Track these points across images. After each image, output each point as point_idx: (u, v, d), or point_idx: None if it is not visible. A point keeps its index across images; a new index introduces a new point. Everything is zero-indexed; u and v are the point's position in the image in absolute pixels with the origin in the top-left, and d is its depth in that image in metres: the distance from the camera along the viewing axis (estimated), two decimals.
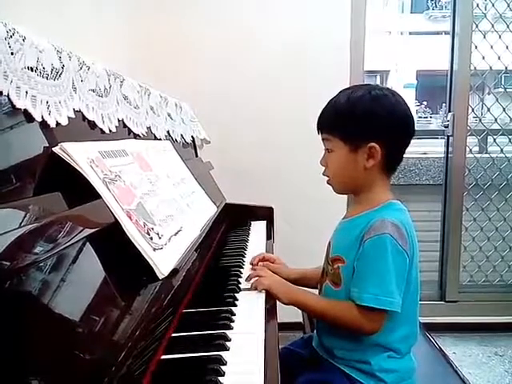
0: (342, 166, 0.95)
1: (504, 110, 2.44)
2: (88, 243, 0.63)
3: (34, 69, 0.65)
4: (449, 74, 2.35)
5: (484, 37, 2.33)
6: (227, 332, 0.75)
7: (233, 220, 1.65)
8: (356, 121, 0.92)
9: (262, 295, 0.94)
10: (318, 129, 0.99)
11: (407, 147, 0.97)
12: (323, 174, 1.00)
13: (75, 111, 0.77)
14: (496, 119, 2.45)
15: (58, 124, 0.70)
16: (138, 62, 1.86)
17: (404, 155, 0.98)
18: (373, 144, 0.91)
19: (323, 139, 0.98)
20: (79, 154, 0.70)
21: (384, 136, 0.92)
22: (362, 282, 0.88)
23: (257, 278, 0.99)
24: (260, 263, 1.14)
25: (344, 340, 0.94)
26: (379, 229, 0.87)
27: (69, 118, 0.73)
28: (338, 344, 0.96)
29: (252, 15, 2.16)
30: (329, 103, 0.98)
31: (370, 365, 0.92)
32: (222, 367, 0.64)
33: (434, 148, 3.06)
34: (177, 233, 0.92)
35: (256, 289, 0.96)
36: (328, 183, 1.01)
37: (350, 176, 0.96)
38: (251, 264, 1.15)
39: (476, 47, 2.30)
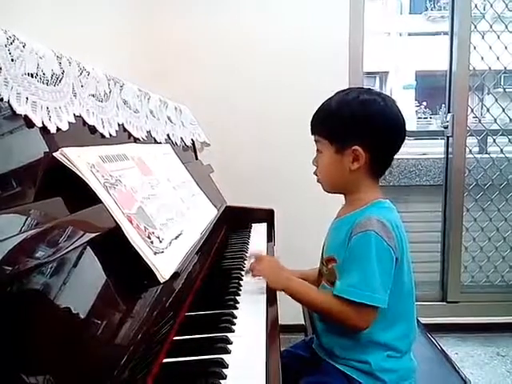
0: (330, 167, 0.98)
1: (503, 110, 2.44)
2: (89, 248, 0.63)
3: (34, 75, 0.65)
4: (448, 75, 2.35)
5: (483, 37, 2.34)
6: (229, 335, 0.75)
7: (233, 222, 1.65)
8: (342, 123, 0.94)
9: (263, 297, 0.95)
10: (311, 130, 1.02)
11: (397, 151, 0.98)
12: (314, 173, 1.03)
13: (75, 116, 0.77)
14: (496, 119, 2.46)
15: (58, 129, 0.70)
16: (137, 66, 1.86)
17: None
18: (356, 147, 0.93)
19: (315, 140, 1.01)
20: (80, 159, 0.71)
21: (369, 140, 0.93)
22: (346, 275, 0.90)
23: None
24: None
25: (342, 338, 0.95)
26: (365, 226, 0.89)
27: (69, 123, 0.74)
28: (336, 343, 0.97)
29: (251, 17, 2.17)
30: (322, 105, 1.00)
31: (370, 365, 0.92)
32: (224, 370, 0.64)
33: (434, 149, 3.06)
34: (177, 236, 0.92)
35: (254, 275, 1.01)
36: (318, 182, 1.03)
37: (337, 177, 0.98)
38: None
39: (475, 47, 2.30)
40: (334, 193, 1.06)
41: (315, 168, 1.02)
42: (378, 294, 0.87)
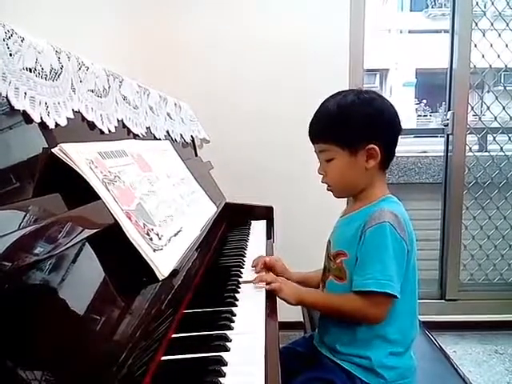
0: (345, 171, 0.98)
1: (504, 108, 2.43)
2: (88, 244, 0.63)
3: (33, 70, 0.65)
4: (448, 73, 2.35)
5: (483, 35, 2.33)
6: (228, 332, 0.75)
7: (233, 220, 1.65)
8: (352, 126, 0.95)
9: (263, 295, 0.94)
10: (312, 140, 1.01)
11: (397, 143, 1.02)
12: (322, 182, 1.02)
13: (74, 112, 0.76)
14: (496, 117, 2.45)
15: (57, 125, 0.70)
16: (137, 63, 1.86)
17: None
18: (371, 145, 0.94)
19: (320, 150, 1.00)
20: (78, 155, 0.70)
21: (380, 136, 0.95)
22: (364, 268, 0.91)
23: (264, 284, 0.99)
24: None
25: (346, 333, 0.96)
26: (379, 218, 0.91)
27: (68, 118, 0.73)
28: (339, 338, 0.97)
29: (251, 15, 2.16)
30: (318, 114, 1.01)
31: (371, 361, 0.93)
32: (223, 368, 0.64)
33: (434, 146, 3.05)
34: (177, 233, 0.92)
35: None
36: (328, 189, 1.03)
37: (352, 180, 0.99)
38: (253, 266, 1.14)
39: (475, 45, 2.30)
40: (346, 197, 1.07)
41: (321, 177, 1.02)
42: (395, 283, 0.88)
